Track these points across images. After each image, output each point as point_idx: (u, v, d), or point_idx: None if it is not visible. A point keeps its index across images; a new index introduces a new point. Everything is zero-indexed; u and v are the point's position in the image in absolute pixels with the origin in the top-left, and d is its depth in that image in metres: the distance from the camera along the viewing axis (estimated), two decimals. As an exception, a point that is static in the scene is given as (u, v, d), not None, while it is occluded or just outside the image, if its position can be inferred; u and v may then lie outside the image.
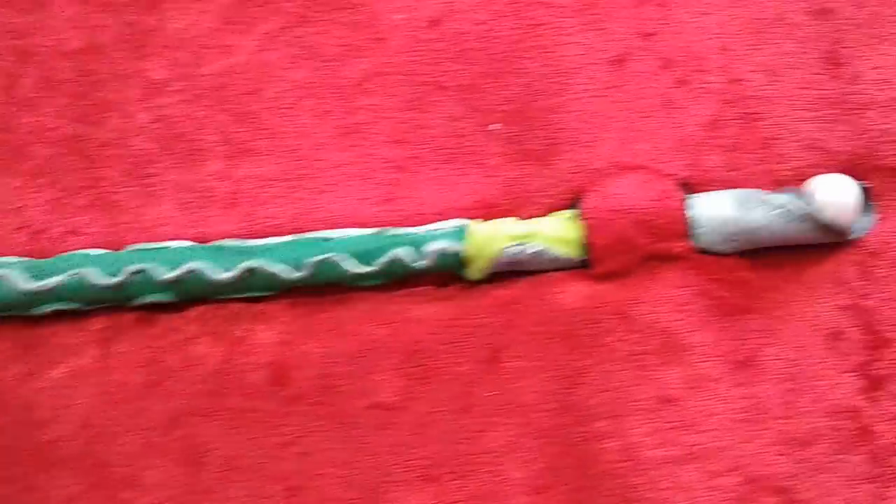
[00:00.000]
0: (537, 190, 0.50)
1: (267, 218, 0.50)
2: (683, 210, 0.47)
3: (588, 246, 0.47)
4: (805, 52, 0.53)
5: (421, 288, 0.48)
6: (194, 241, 0.49)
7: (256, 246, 0.46)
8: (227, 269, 0.46)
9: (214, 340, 0.47)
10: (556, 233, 0.47)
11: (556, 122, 0.51)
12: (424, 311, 0.47)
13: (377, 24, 0.54)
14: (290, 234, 0.49)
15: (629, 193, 0.47)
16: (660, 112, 0.51)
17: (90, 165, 0.52)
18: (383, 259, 0.47)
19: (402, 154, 0.51)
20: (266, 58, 0.54)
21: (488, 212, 0.49)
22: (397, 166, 0.51)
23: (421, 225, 0.49)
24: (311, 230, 0.49)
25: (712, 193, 0.48)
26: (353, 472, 0.45)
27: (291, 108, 0.52)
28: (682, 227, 0.47)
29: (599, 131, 0.51)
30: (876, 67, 0.52)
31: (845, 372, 0.46)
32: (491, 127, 0.52)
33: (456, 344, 0.46)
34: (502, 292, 0.47)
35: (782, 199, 0.47)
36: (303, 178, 0.51)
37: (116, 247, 0.49)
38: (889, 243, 0.49)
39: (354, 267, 0.47)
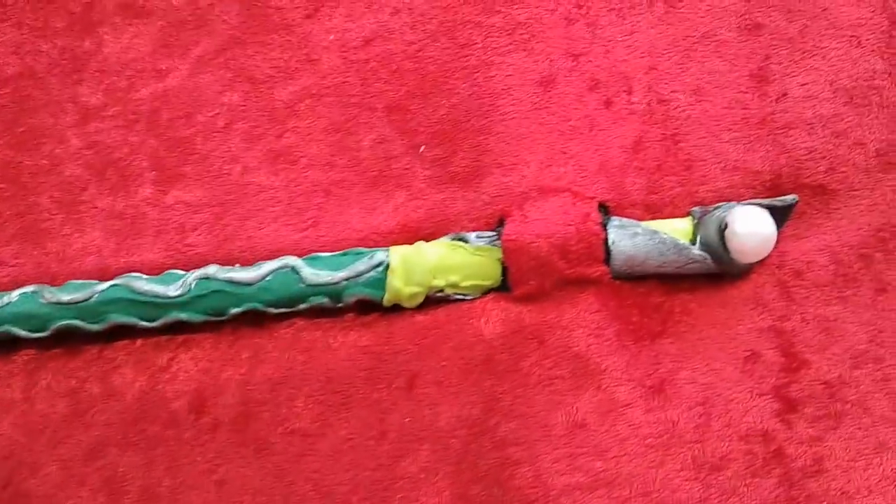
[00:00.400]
0: (461, 213, 0.50)
1: (193, 246, 0.50)
2: (601, 235, 0.47)
3: (507, 270, 0.47)
4: (733, 70, 0.53)
5: (342, 318, 0.48)
6: (119, 271, 0.49)
7: (176, 301, 0.47)
8: (151, 321, 0.47)
9: (137, 369, 0.48)
10: (476, 269, 0.48)
11: (482, 145, 0.52)
12: (344, 338, 0.47)
13: (310, 45, 0.55)
14: (214, 262, 0.49)
15: (549, 218, 0.48)
16: (585, 134, 0.51)
17: (22, 193, 0.52)
18: (302, 306, 0.47)
19: (330, 177, 0.52)
20: (199, 81, 0.54)
21: (412, 236, 0.50)
22: (324, 190, 0.51)
23: (341, 250, 0.49)
24: (234, 260, 0.49)
25: (630, 228, 0.48)
26: (270, 500, 0.45)
27: (222, 132, 0.53)
28: (600, 253, 0.47)
29: (524, 154, 0.51)
30: (804, 84, 0.52)
31: (760, 395, 0.46)
32: (421, 149, 0.52)
33: (373, 371, 0.47)
34: (422, 318, 0.48)
35: (697, 254, 0.47)
36: (230, 203, 0.51)
37: (42, 278, 0.50)
38: (812, 262, 0.49)
39: (274, 310, 0.47)
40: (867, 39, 0.53)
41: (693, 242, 0.47)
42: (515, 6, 0.55)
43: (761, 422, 0.45)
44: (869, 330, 0.47)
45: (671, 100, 0.52)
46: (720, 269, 0.48)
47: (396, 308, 0.48)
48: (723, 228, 0.47)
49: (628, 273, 0.48)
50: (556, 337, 0.46)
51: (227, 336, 0.47)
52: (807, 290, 0.48)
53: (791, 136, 0.51)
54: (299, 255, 0.49)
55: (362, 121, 0.53)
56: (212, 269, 0.47)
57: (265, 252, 0.49)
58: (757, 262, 0.48)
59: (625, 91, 0.52)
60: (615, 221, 0.48)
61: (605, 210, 0.49)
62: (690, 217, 0.48)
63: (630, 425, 0.44)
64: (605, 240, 0.47)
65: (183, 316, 0.46)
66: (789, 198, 0.49)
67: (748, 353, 0.46)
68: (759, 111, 0.51)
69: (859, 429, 0.45)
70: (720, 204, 0.48)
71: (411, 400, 0.46)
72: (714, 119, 0.51)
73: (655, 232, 0.47)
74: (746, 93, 0.52)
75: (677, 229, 0.48)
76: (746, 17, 0.54)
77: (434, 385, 0.46)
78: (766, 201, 0.48)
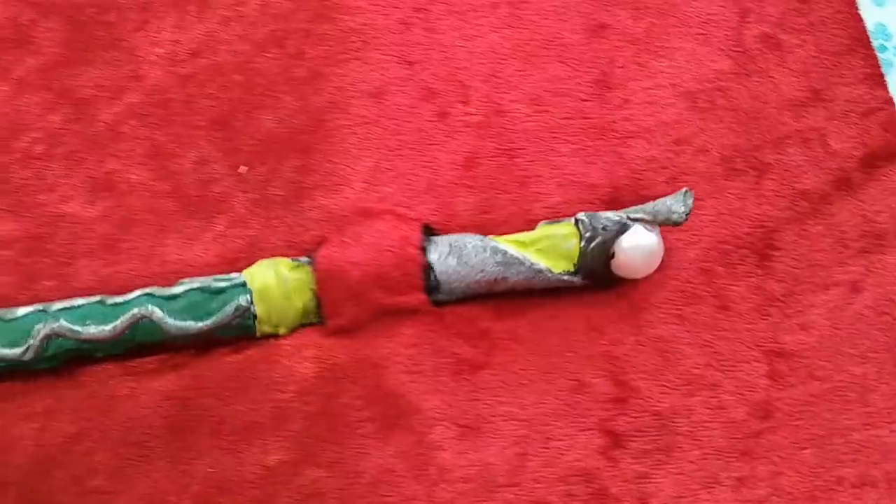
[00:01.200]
0: (282, 242, 0.47)
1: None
2: (421, 261, 0.44)
3: (320, 301, 0.44)
4: (576, 77, 0.50)
5: (152, 357, 0.45)
6: None
7: (27, 361, 0.44)
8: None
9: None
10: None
11: (306, 164, 0.49)
12: (149, 384, 0.45)
13: (136, 61, 0.52)
14: (17, 303, 0.46)
15: (365, 243, 0.45)
16: (415, 149, 0.49)
17: None
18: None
19: (148, 204, 0.49)
20: (20, 104, 0.51)
21: (230, 267, 0.47)
22: (141, 219, 0.49)
23: (164, 285, 0.46)
24: (40, 300, 0.46)
25: (470, 244, 0.45)
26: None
27: (41, 158, 0.50)
28: (419, 280, 0.44)
29: (349, 173, 0.48)
30: (647, 88, 0.50)
31: (585, 429, 0.43)
32: (241, 170, 0.49)
33: (176, 418, 0.44)
34: (232, 358, 0.45)
35: (566, 280, 0.45)
36: (43, 237, 0.48)
37: None
38: (649, 278, 0.46)
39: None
40: (715, 37, 0.50)
41: (577, 264, 0.44)
42: (349, 12, 0.52)
43: (583, 459, 0.42)
44: (706, 352, 0.44)
45: (509, 111, 0.49)
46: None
47: (206, 350, 0.45)
48: (610, 256, 0.44)
49: (453, 294, 0.45)
50: (369, 376, 0.44)
51: (25, 385, 0.44)
52: (644, 309, 0.45)
53: (630, 145, 0.48)
54: (111, 292, 0.46)
55: (185, 141, 0.50)
56: (62, 325, 0.44)
57: (74, 291, 0.46)
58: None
59: (461, 101, 0.49)
60: (438, 243, 0.44)
61: (430, 231, 0.46)
62: (576, 227, 0.45)
63: (440, 469, 0.42)
64: (426, 265, 0.44)
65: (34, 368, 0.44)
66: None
67: (575, 383, 0.44)
68: (600, 120, 0.48)
69: (690, 462, 0.42)
70: (608, 218, 0.44)
71: (217, 448, 0.43)
72: (552, 131, 0.48)
73: (500, 247, 0.44)
74: (587, 100, 0.49)
75: (566, 251, 0.45)
76: (592, 17, 0.51)
77: (242, 431, 0.43)
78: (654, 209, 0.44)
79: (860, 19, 0.49)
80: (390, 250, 0.44)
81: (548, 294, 0.46)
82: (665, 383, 0.44)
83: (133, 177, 0.49)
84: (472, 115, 0.49)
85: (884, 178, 0.47)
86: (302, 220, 0.47)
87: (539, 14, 0.51)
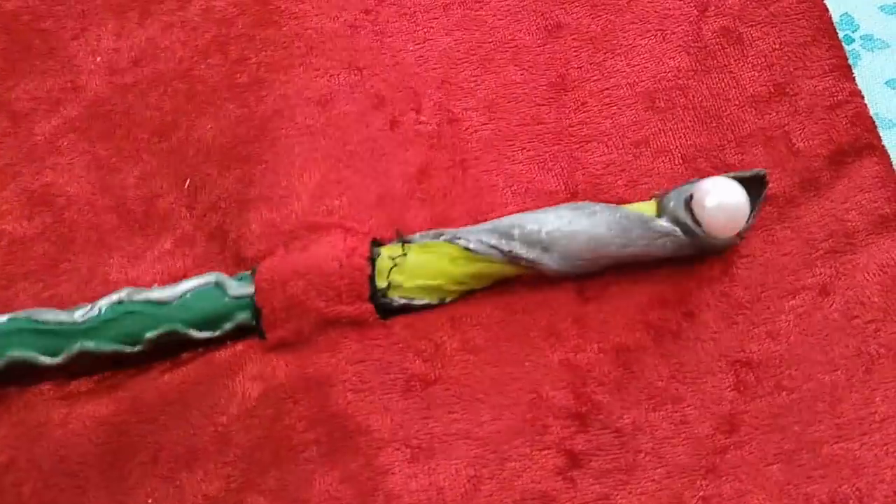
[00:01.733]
0: (228, 256, 0.45)
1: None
2: (368, 271, 0.42)
3: (258, 311, 0.42)
4: (532, 81, 0.48)
5: (87, 378, 0.43)
6: None
7: (82, 328, 0.42)
8: (53, 355, 0.42)
9: None
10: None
11: (250, 175, 0.47)
12: (81, 409, 0.42)
13: (74, 70, 0.50)
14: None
15: (310, 254, 0.43)
16: (364, 160, 0.46)
17: None
18: (228, 325, 0.42)
19: (89, 220, 0.47)
20: (-47, 118, 0.49)
21: (175, 286, 0.45)
22: (82, 237, 0.46)
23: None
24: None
25: (588, 209, 0.42)
26: None
27: (-28, 173, 0.48)
28: (364, 289, 0.42)
29: (295, 184, 0.46)
30: (604, 90, 0.47)
31: (542, 449, 0.41)
32: (187, 183, 0.47)
33: (112, 445, 0.42)
34: (172, 377, 0.42)
35: (666, 227, 0.42)
36: (-27, 257, 0.46)
37: None
38: (612, 283, 0.44)
39: (196, 333, 0.42)
40: (674, 33, 0.48)
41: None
42: (294, 16, 0.50)
43: (540, 482, 0.40)
44: (671, 363, 0.42)
45: (462, 119, 0.47)
46: (687, 248, 0.42)
47: (143, 369, 0.43)
48: (688, 201, 0.41)
49: (563, 263, 0.42)
50: (313, 395, 0.41)
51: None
52: (604, 314, 0.43)
53: (588, 149, 0.46)
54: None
55: (127, 154, 0.48)
56: (124, 293, 0.42)
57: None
58: (731, 241, 0.42)
59: (413, 109, 0.47)
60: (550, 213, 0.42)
61: (378, 245, 0.44)
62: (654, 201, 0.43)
63: (389, 495, 0.40)
64: (372, 277, 0.42)
65: (90, 345, 0.41)
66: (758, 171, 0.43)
67: (532, 397, 0.41)
68: (556, 125, 0.46)
69: (653, 482, 0.40)
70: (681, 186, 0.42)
71: (156, 476, 0.41)
72: (507, 139, 0.46)
73: (607, 210, 0.42)
74: (543, 105, 0.47)
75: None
76: (549, 16, 0.49)
77: (183, 457, 0.41)
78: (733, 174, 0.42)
79: (825, 9, 0.47)
80: (336, 260, 0.42)
81: (505, 295, 0.43)
82: (626, 397, 0.42)
83: (72, 190, 0.47)
84: (424, 123, 0.47)
85: (853, 174, 0.45)
86: (247, 234, 0.45)
87: (494, 14, 0.49)
